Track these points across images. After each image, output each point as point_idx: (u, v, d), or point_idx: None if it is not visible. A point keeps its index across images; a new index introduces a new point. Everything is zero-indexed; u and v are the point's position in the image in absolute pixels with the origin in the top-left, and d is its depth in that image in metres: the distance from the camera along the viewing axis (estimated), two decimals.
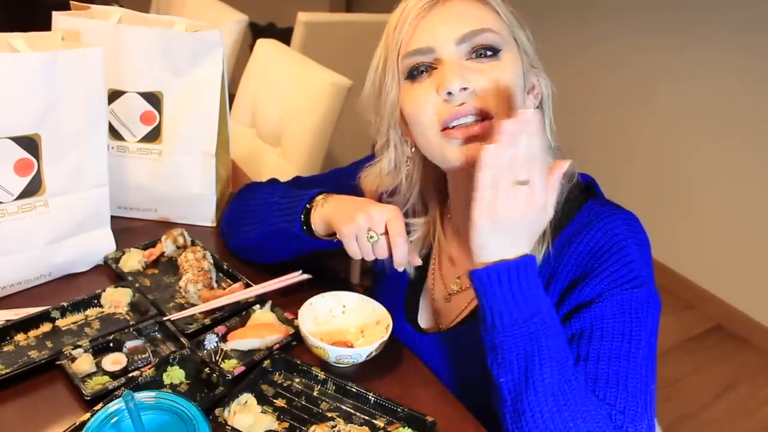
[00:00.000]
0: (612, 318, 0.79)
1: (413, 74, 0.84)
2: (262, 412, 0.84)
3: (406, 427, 0.83)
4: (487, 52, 0.81)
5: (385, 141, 0.93)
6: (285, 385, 0.90)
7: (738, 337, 2.47)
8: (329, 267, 1.20)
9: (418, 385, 0.93)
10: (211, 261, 1.10)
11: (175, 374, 0.88)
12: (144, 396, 0.72)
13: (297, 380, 0.91)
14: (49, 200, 1.02)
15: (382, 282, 1.08)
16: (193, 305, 1.02)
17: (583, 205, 0.87)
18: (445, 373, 0.96)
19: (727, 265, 2.53)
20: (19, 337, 0.93)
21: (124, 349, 0.92)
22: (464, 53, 0.81)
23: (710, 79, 2.45)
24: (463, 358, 0.94)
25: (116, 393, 0.81)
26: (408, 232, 0.94)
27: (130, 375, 0.87)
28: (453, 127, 0.81)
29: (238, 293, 1.03)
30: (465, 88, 0.79)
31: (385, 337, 0.92)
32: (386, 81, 0.87)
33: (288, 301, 1.03)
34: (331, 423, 0.82)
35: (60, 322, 0.97)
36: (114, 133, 1.21)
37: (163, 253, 1.15)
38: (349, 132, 2.23)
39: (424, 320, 1.02)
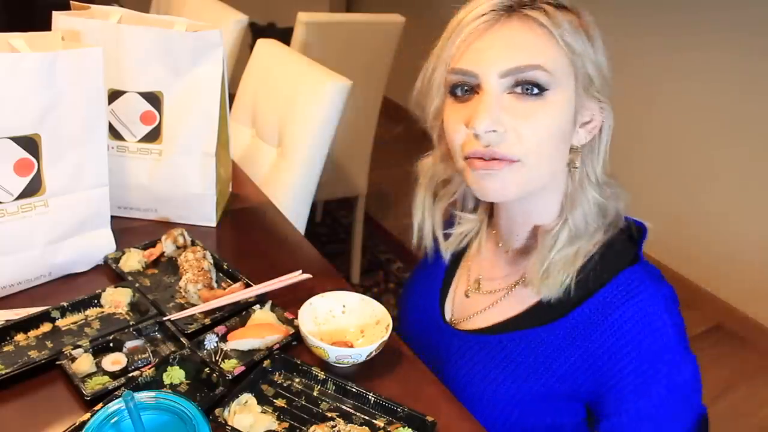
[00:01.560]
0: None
1: (455, 92, 0.82)
2: (262, 412, 0.84)
3: (406, 427, 0.83)
4: (533, 89, 0.77)
5: (436, 135, 0.95)
6: (285, 385, 0.90)
7: (738, 337, 2.47)
8: (329, 267, 1.20)
9: (418, 385, 0.93)
10: (211, 261, 1.10)
11: (175, 374, 0.88)
12: (144, 396, 0.72)
13: (297, 380, 0.91)
14: (49, 200, 1.02)
15: (424, 266, 1.10)
16: (193, 305, 1.02)
17: (626, 267, 0.83)
18: (451, 367, 0.96)
19: (727, 265, 2.53)
20: (19, 337, 0.93)
21: (124, 349, 0.92)
22: (507, 86, 0.78)
23: (711, 79, 2.45)
24: (467, 357, 0.95)
25: (116, 393, 0.81)
26: (451, 224, 1.01)
27: (130, 375, 0.87)
28: (475, 158, 0.80)
29: (238, 293, 1.03)
30: (494, 131, 0.77)
31: (385, 337, 0.92)
32: (433, 87, 0.86)
33: (288, 301, 1.03)
34: (331, 423, 0.82)
35: (60, 322, 0.97)
36: (114, 133, 1.21)
37: (163, 253, 1.15)
38: (350, 132, 2.24)
39: (448, 310, 1.04)
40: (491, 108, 0.77)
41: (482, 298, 0.98)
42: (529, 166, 0.79)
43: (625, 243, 0.87)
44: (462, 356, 0.95)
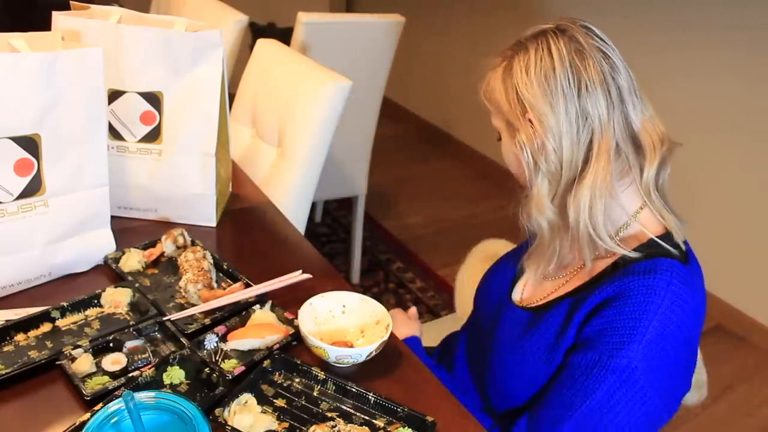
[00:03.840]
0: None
1: None
2: (262, 412, 0.84)
3: (406, 427, 0.83)
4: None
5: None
6: (285, 385, 0.90)
7: (738, 337, 2.47)
8: (329, 267, 1.20)
9: (418, 385, 0.93)
10: (211, 261, 1.10)
11: (175, 374, 0.88)
12: (144, 396, 0.72)
13: (297, 380, 0.91)
14: (49, 200, 1.02)
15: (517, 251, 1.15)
16: (193, 305, 1.02)
17: (664, 255, 0.86)
18: (502, 346, 0.99)
19: (727, 265, 2.53)
20: (19, 337, 0.93)
21: (124, 349, 0.92)
22: None
23: (709, 78, 2.45)
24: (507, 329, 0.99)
25: (116, 393, 0.81)
26: None
27: (130, 375, 0.87)
28: None
29: (238, 293, 1.03)
30: None
31: (385, 337, 0.92)
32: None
33: (288, 301, 1.03)
34: (331, 423, 0.82)
35: (60, 322, 0.97)
36: (114, 133, 1.21)
37: (163, 253, 1.15)
38: (350, 132, 2.24)
39: (518, 290, 1.05)
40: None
41: (554, 283, 0.99)
42: None
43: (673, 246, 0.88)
44: (504, 329, 1.00)
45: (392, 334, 0.94)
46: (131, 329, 0.95)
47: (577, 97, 0.85)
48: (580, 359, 0.85)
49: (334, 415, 0.86)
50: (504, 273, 1.11)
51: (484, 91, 0.94)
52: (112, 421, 0.71)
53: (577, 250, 0.91)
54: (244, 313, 1.01)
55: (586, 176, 0.86)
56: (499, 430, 1.00)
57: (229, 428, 0.79)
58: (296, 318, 0.95)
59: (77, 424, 0.77)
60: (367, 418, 0.86)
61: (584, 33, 0.87)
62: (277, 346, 0.95)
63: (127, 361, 0.90)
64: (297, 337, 0.96)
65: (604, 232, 0.86)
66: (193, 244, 1.17)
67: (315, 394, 0.89)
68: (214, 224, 1.29)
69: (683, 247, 0.88)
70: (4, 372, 0.85)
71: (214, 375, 0.87)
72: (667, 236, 0.89)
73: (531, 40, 0.88)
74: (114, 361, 0.90)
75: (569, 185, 0.88)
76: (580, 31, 0.87)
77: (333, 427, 0.81)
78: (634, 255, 0.86)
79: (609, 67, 0.86)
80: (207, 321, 0.99)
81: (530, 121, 0.87)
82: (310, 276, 1.07)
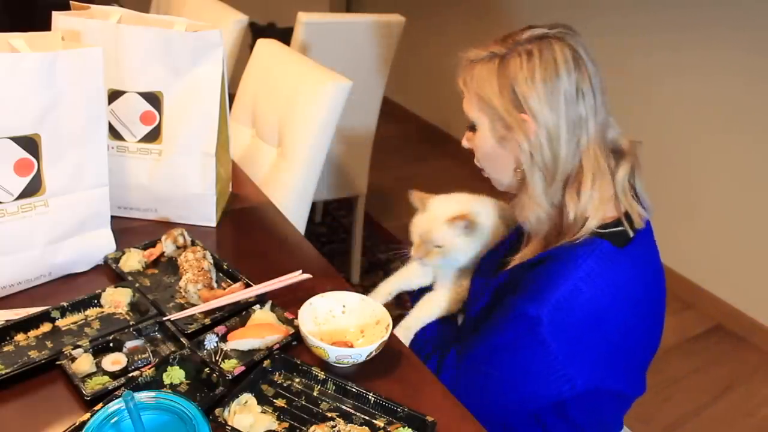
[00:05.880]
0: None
1: None
2: (262, 412, 0.84)
3: (406, 427, 0.83)
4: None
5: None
6: (285, 385, 0.90)
7: (738, 337, 2.47)
8: (329, 267, 1.20)
9: (418, 385, 0.93)
10: (211, 261, 1.10)
11: (175, 374, 0.88)
12: (144, 396, 0.72)
13: (297, 380, 0.91)
14: (49, 200, 1.02)
15: None
16: (193, 305, 1.02)
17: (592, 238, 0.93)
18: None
19: (727, 265, 2.53)
20: (19, 337, 0.93)
21: (124, 349, 0.92)
22: None
23: (709, 78, 2.45)
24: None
25: (116, 393, 0.81)
26: None
27: (130, 375, 0.87)
28: None
29: (238, 293, 1.03)
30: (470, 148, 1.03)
31: (385, 337, 0.92)
32: None
33: (288, 301, 1.03)
34: (331, 423, 0.82)
35: (60, 322, 0.97)
36: (114, 133, 1.21)
37: (163, 253, 1.15)
38: (350, 132, 2.24)
39: None
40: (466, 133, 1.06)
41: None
42: None
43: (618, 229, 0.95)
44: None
45: (392, 334, 0.94)
46: (131, 329, 0.95)
47: (576, 103, 0.91)
48: (504, 302, 0.96)
49: (334, 415, 0.86)
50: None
51: (466, 81, 0.98)
52: (112, 421, 0.71)
53: (556, 234, 0.99)
54: (244, 313, 1.01)
55: (583, 178, 0.93)
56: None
57: (229, 428, 0.79)
58: (296, 318, 0.95)
59: (77, 424, 0.77)
60: (367, 418, 0.86)
61: (580, 44, 0.93)
62: (277, 346, 0.94)
63: (127, 361, 0.90)
64: (297, 337, 0.96)
65: (594, 220, 0.93)
66: (193, 244, 1.17)
67: (315, 394, 0.89)
68: (214, 224, 1.29)
69: (631, 234, 0.94)
70: (4, 372, 0.85)
71: (214, 375, 0.87)
72: (615, 223, 0.94)
73: (532, 43, 0.92)
74: (114, 361, 0.90)
75: (564, 183, 0.95)
76: (577, 42, 0.93)
77: (333, 427, 0.81)
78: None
79: (598, 79, 0.93)
80: (207, 321, 0.99)
81: (524, 120, 0.92)
82: (310, 276, 1.07)
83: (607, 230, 0.93)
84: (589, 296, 0.89)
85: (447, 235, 1.09)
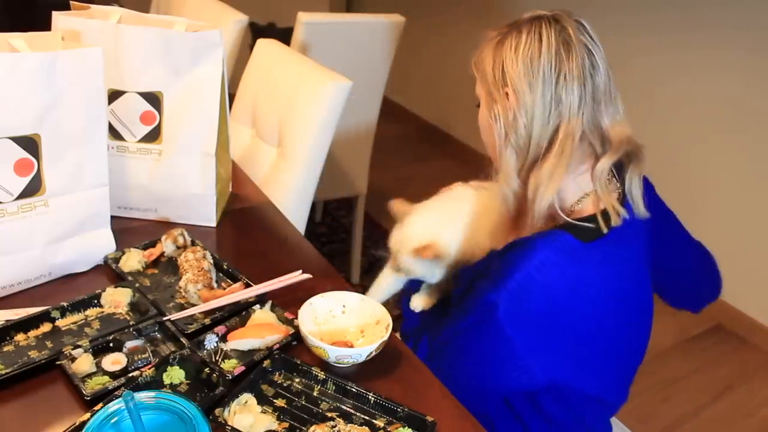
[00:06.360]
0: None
1: None
2: (262, 412, 0.84)
3: (406, 427, 0.84)
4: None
5: None
6: (285, 385, 0.90)
7: (738, 337, 2.47)
8: (329, 267, 1.20)
9: (418, 385, 0.93)
10: (211, 261, 1.10)
11: (175, 374, 0.88)
12: (144, 396, 0.72)
13: (297, 380, 0.91)
14: (49, 200, 1.02)
15: None
16: (193, 305, 1.02)
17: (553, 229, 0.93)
18: None
19: (727, 265, 2.53)
20: (19, 337, 0.93)
21: (124, 349, 0.92)
22: None
23: (711, 78, 2.45)
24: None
25: (116, 393, 0.81)
26: None
27: (130, 375, 0.87)
28: None
29: (238, 293, 1.03)
30: None
31: (385, 337, 0.92)
32: None
33: (288, 301, 1.03)
34: (331, 423, 0.82)
35: (60, 322, 0.97)
36: (114, 133, 1.21)
37: (163, 253, 1.15)
38: (350, 132, 2.24)
39: None
40: None
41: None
42: None
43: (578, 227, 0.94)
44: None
45: (392, 334, 0.94)
46: (131, 329, 0.95)
47: (555, 84, 0.91)
48: (473, 287, 0.95)
49: (334, 415, 0.86)
50: None
51: (475, 61, 1.00)
52: (112, 421, 0.71)
53: (529, 217, 0.98)
54: (244, 313, 1.01)
55: (548, 157, 0.93)
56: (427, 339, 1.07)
57: (229, 428, 0.79)
58: (296, 318, 0.95)
59: (77, 424, 0.77)
60: (367, 418, 0.86)
61: (575, 27, 0.92)
62: (277, 346, 0.94)
63: (127, 361, 0.90)
64: (297, 337, 0.96)
65: (554, 206, 0.94)
66: (193, 244, 1.17)
67: (315, 394, 0.89)
68: (214, 224, 1.29)
69: (605, 230, 0.93)
70: (4, 372, 0.85)
71: (214, 375, 0.87)
72: (590, 219, 0.94)
73: (526, 23, 0.94)
74: (114, 361, 0.90)
75: (533, 162, 0.95)
76: (573, 25, 0.92)
77: (333, 427, 0.81)
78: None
79: (590, 64, 0.92)
80: (207, 321, 0.99)
81: (507, 95, 0.93)
82: (310, 276, 1.07)
83: (576, 223, 0.93)
84: (542, 284, 0.89)
85: (412, 263, 1.07)
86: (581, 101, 0.91)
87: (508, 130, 0.95)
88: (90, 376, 0.87)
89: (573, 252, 0.90)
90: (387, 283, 1.18)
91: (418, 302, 1.16)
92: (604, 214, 0.94)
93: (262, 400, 0.86)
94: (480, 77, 0.99)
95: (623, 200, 0.97)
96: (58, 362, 0.87)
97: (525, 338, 0.91)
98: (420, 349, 1.04)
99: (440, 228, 1.07)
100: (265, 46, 1.85)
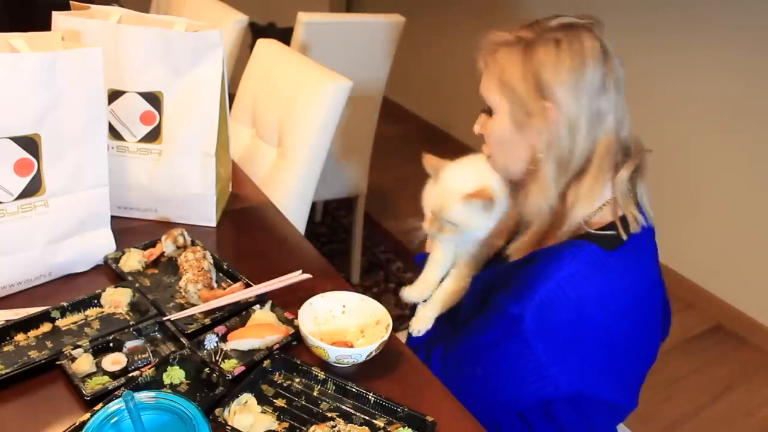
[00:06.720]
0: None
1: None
2: (262, 412, 0.84)
3: (406, 427, 0.84)
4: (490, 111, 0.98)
5: None
6: (285, 385, 0.90)
7: (738, 337, 2.47)
8: (329, 267, 1.20)
9: (418, 385, 0.93)
10: (211, 261, 1.10)
11: (175, 374, 0.88)
12: (144, 396, 0.72)
13: (297, 380, 0.91)
14: (49, 200, 1.02)
15: None
16: (193, 305, 1.02)
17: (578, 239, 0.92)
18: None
19: (727, 265, 2.53)
20: (19, 337, 0.93)
21: (124, 349, 0.92)
22: None
23: (711, 78, 2.45)
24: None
25: (116, 393, 0.81)
26: None
27: (130, 375, 0.87)
28: None
29: (238, 293, 1.03)
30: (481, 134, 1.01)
31: (385, 337, 0.92)
32: None
33: (288, 301, 1.03)
34: (331, 423, 0.82)
35: (60, 322, 0.97)
36: (114, 133, 1.21)
37: (163, 253, 1.15)
38: (350, 132, 2.24)
39: None
40: (480, 118, 1.03)
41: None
42: None
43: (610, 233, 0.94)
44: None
45: (392, 334, 0.94)
46: (131, 329, 0.95)
47: (598, 96, 0.90)
48: (491, 300, 0.95)
49: (334, 415, 0.86)
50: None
51: (488, 63, 0.96)
52: (112, 421, 0.71)
53: (555, 229, 0.97)
54: (244, 313, 1.01)
55: (589, 170, 0.92)
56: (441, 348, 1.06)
57: (229, 428, 0.79)
58: (296, 318, 0.95)
59: (77, 424, 0.77)
60: (367, 418, 0.86)
61: (605, 35, 0.92)
62: (277, 346, 0.94)
63: (127, 361, 0.90)
64: (297, 337, 0.96)
65: (582, 211, 0.93)
66: (193, 244, 1.17)
67: (315, 394, 0.89)
68: (214, 224, 1.29)
69: (624, 237, 0.92)
70: (4, 372, 0.85)
71: (214, 375, 0.87)
72: (610, 227, 0.93)
73: (561, 31, 0.91)
74: (114, 361, 0.90)
75: (573, 176, 0.93)
76: (603, 33, 0.92)
77: (333, 427, 0.81)
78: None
79: (622, 73, 0.92)
80: (207, 321, 0.99)
81: (546, 107, 0.90)
82: (310, 276, 1.07)
83: (599, 232, 0.92)
84: (573, 297, 0.88)
85: (463, 213, 1.00)
86: (616, 108, 0.92)
87: (551, 141, 0.92)
88: (90, 376, 0.87)
89: (599, 262, 0.90)
90: (441, 255, 1.10)
91: (418, 325, 1.09)
92: (622, 220, 0.93)
93: (262, 400, 0.86)
94: (499, 85, 0.94)
95: (638, 207, 0.96)
96: (58, 362, 0.87)
97: (551, 349, 0.90)
98: (432, 362, 1.03)
99: (486, 177, 1.02)
100: (265, 46, 1.85)
